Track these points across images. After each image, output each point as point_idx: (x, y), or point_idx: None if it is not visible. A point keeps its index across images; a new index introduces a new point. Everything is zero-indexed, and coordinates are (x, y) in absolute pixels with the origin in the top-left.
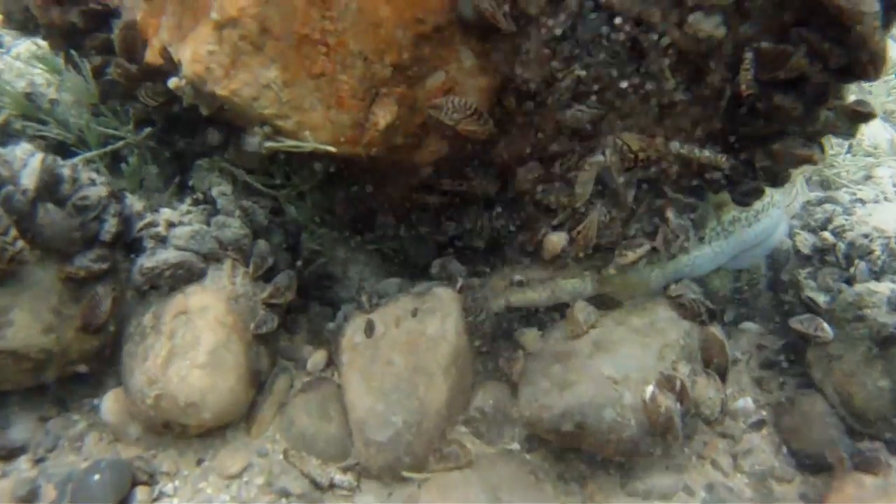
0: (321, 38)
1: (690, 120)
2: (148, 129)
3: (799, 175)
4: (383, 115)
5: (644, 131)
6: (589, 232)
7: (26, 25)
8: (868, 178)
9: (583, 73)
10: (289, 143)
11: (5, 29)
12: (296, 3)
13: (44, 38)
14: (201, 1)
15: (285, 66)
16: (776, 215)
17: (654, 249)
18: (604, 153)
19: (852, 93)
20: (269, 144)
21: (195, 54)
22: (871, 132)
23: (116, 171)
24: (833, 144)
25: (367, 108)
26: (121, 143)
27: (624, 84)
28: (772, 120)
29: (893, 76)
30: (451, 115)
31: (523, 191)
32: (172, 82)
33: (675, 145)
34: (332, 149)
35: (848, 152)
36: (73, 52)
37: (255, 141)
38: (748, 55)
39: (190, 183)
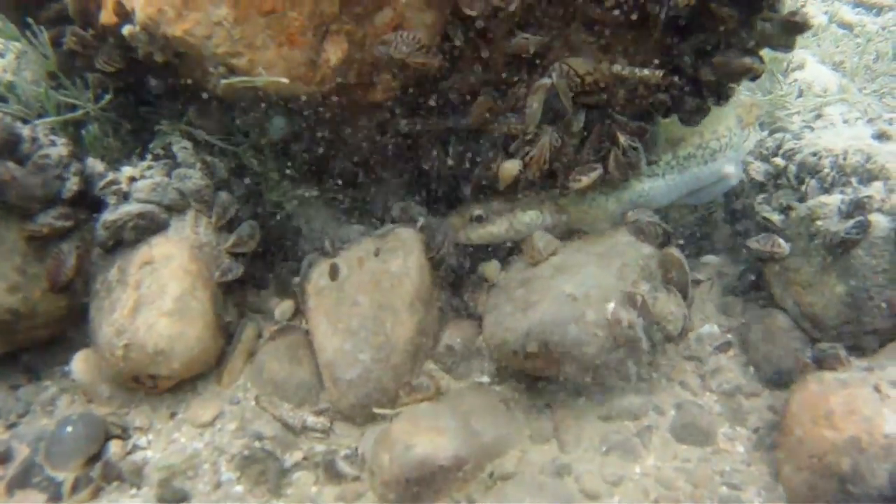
0: None
1: (631, 42)
2: (108, 97)
3: (753, 116)
4: (334, 52)
5: (590, 57)
6: (541, 154)
7: None
8: (818, 116)
9: (524, 2)
10: (243, 78)
11: None
12: None
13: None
14: None
15: (235, 3)
16: (733, 157)
17: (606, 174)
18: (550, 76)
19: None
20: (224, 82)
21: None
22: (822, 78)
23: (78, 142)
24: (784, 87)
25: (319, 45)
26: (80, 112)
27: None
28: (710, 32)
29: (836, 27)
30: (399, 49)
31: (477, 123)
32: (126, 30)
33: (617, 67)
34: (284, 80)
35: (799, 96)
36: (29, 20)
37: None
38: None
39: (151, 147)
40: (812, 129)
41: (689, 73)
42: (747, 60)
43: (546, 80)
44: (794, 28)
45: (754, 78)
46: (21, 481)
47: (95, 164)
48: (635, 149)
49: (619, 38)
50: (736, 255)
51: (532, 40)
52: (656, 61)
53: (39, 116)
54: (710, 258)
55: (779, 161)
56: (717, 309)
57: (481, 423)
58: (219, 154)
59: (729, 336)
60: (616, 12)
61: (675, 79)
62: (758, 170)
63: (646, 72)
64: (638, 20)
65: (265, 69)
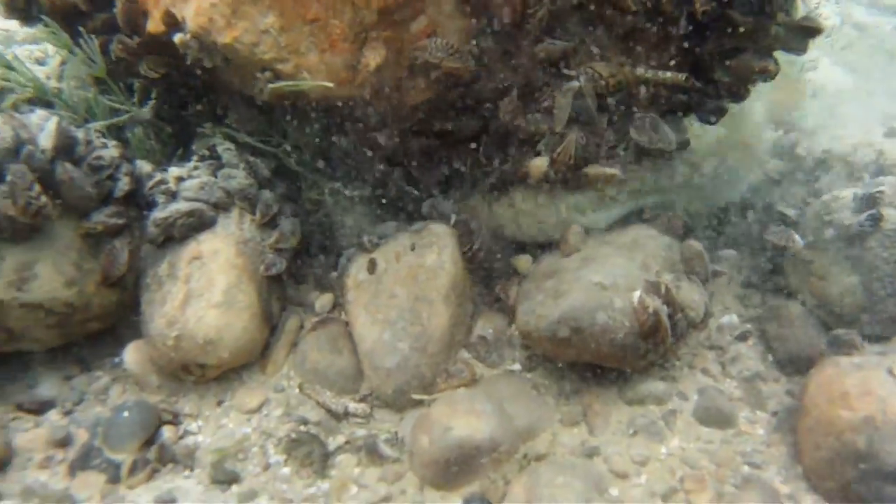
0: None
1: (653, 46)
2: (152, 102)
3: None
4: (373, 57)
5: (611, 60)
6: (568, 150)
7: (28, 13)
8: (832, 115)
9: (552, 8)
10: (290, 83)
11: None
12: None
13: (45, 25)
14: None
15: (281, 12)
16: None
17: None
18: (578, 79)
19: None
20: (271, 86)
21: (198, 8)
22: (836, 79)
23: (123, 144)
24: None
25: (358, 51)
26: (125, 116)
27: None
28: (727, 37)
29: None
30: (434, 55)
31: (505, 122)
32: (178, 38)
33: (640, 70)
34: (329, 84)
35: (813, 97)
36: (80, 28)
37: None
38: None
39: (194, 148)
40: (825, 127)
41: (707, 75)
42: (762, 62)
43: (574, 84)
44: (807, 32)
45: (768, 78)
46: (82, 463)
47: (143, 165)
48: (651, 117)
49: (641, 41)
50: (753, 248)
51: (558, 45)
52: (673, 63)
53: (86, 120)
54: (728, 252)
55: (793, 159)
56: (737, 300)
57: (514, 407)
58: (258, 155)
59: (748, 325)
60: (637, 18)
61: (695, 81)
62: (774, 168)
63: (669, 74)
64: (658, 25)
65: (308, 74)
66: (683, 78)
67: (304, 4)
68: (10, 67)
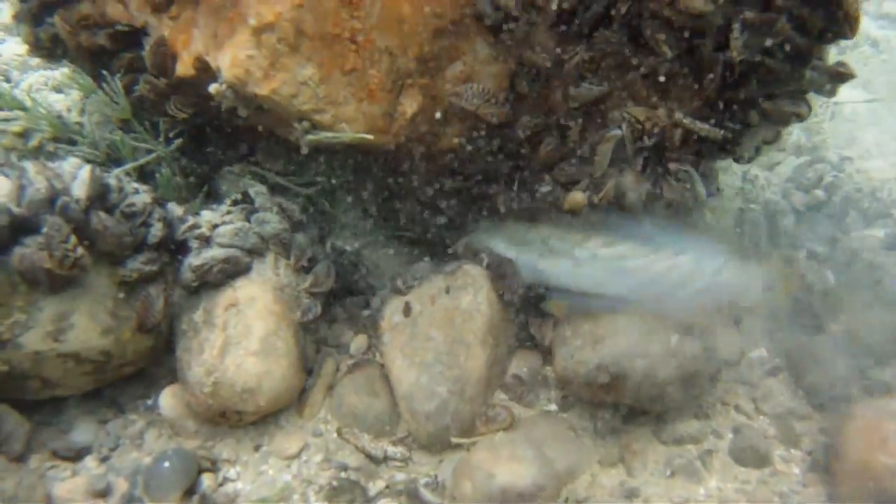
0: (351, 36)
1: (687, 90)
2: (178, 141)
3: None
4: (410, 105)
5: (646, 104)
6: (609, 196)
7: (53, 52)
8: (851, 140)
9: (586, 55)
10: (328, 134)
11: (29, 57)
12: (327, 5)
13: (70, 62)
14: (236, 10)
15: (320, 64)
16: None
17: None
18: (620, 127)
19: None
20: (310, 137)
21: (234, 59)
22: (853, 99)
23: (147, 183)
24: (817, 112)
25: (395, 99)
26: (152, 155)
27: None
28: (762, 83)
29: (867, 47)
30: (471, 101)
31: (543, 164)
32: (213, 88)
33: (678, 116)
34: (370, 137)
35: (831, 119)
36: (104, 72)
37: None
38: (736, 25)
39: (222, 189)
40: (851, 159)
41: (742, 117)
42: (796, 107)
43: (617, 132)
44: (839, 77)
45: (801, 121)
46: None
47: (174, 209)
48: (686, 171)
49: (675, 85)
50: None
51: (595, 90)
52: (707, 106)
53: (107, 157)
54: None
55: (820, 194)
56: (765, 334)
57: (554, 450)
58: (290, 194)
59: (778, 360)
60: (673, 64)
61: (731, 125)
62: (800, 200)
63: (706, 127)
64: (693, 71)
65: (347, 123)
66: (720, 134)
67: (343, 55)
68: (24, 109)
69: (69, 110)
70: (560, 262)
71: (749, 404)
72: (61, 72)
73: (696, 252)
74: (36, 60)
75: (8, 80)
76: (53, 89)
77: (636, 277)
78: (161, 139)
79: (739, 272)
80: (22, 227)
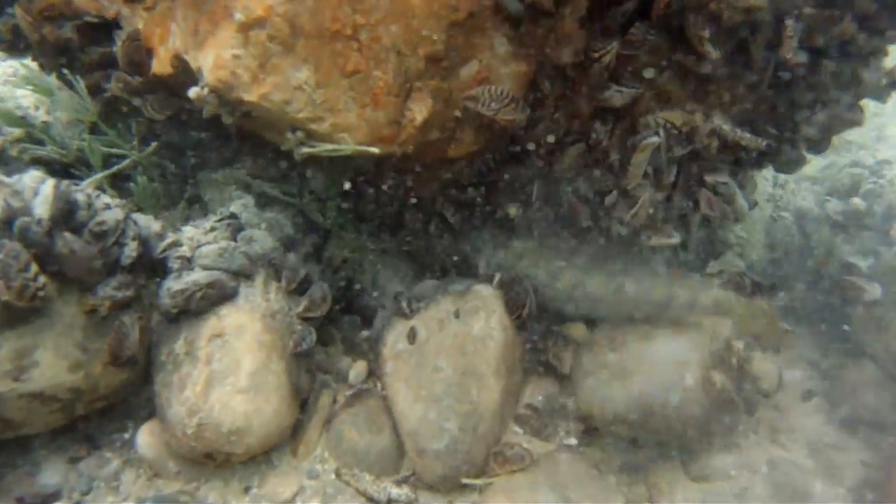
0: (353, 33)
1: (729, 93)
2: (153, 145)
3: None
4: (419, 111)
5: (681, 108)
6: (642, 214)
7: (15, 45)
8: (880, 137)
9: (619, 53)
10: (327, 147)
11: None
12: None
13: (34, 58)
14: (220, 3)
15: (317, 65)
16: None
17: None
18: (658, 133)
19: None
20: (305, 150)
21: (218, 60)
22: None
23: (121, 190)
24: None
25: (403, 104)
26: (126, 161)
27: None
28: (814, 86)
29: None
30: (488, 106)
31: (566, 173)
32: (193, 92)
33: (717, 123)
34: (374, 150)
35: None
36: (65, 70)
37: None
38: (789, 22)
39: (206, 197)
40: (890, 163)
41: (787, 123)
42: (853, 115)
43: (654, 139)
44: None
45: (854, 128)
46: None
47: (150, 223)
48: (725, 183)
49: (715, 89)
50: (812, 293)
51: (626, 94)
52: (748, 109)
53: (77, 159)
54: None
55: (859, 202)
56: (800, 352)
57: (577, 491)
58: (278, 205)
59: (812, 383)
60: (715, 64)
61: (774, 132)
62: (835, 209)
63: (748, 136)
64: (737, 72)
65: (347, 132)
66: (763, 144)
67: (343, 55)
68: None
69: (37, 108)
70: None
71: (784, 433)
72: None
73: None
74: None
75: None
76: (23, 81)
77: None
78: (136, 142)
79: None
80: None
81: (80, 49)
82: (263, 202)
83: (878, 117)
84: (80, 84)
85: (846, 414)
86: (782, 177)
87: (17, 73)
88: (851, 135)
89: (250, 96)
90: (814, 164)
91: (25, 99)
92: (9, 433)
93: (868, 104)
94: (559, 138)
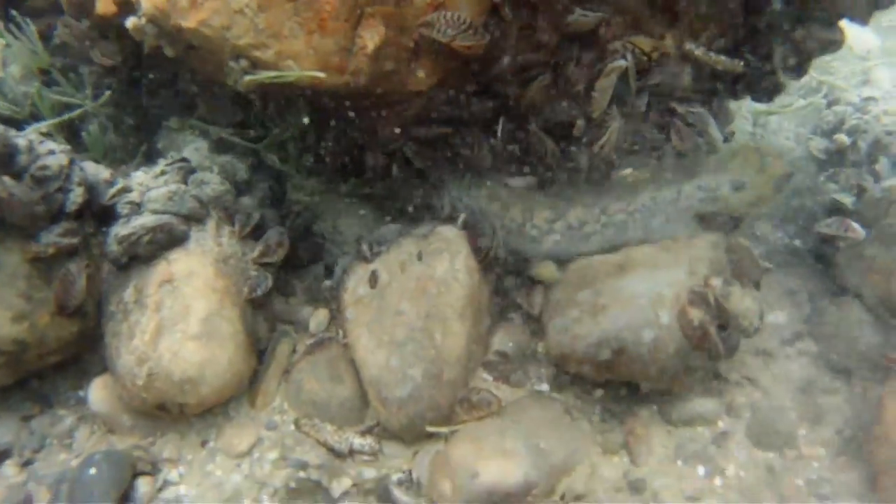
0: None
1: (701, 16)
2: (107, 94)
3: None
4: (370, 38)
5: (650, 33)
6: (611, 143)
7: None
8: (866, 81)
9: None
10: (270, 73)
11: None
12: None
13: None
14: None
15: None
16: None
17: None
18: (624, 57)
19: None
20: (248, 78)
21: None
22: (861, 38)
23: (75, 142)
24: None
25: (353, 31)
26: (78, 111)
27: None
28: (789, 3)
29: None
30: (444, 32)
31: (530, 106)
32: (131, 22)
33: (689, 47)
34: (321, 75)
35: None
36: (15, 13)
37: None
38: None
39: (160, 146)
40: (875, 100)
41: (763, 48)
42: (829, 33)
43: (620, 63)
44: (880, 2)
45: (834, 51)
46: None
47: (99, 171)
48: (696, 113)
49: (686, 12)
50: (791, 229)
51: (591, 17)
52: (722, 36)
53: (31, 115)
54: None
55: (843, 138)
56: (784, 296)
57: (547, 439)
58: (234, 151)
59: (797, 326)
60: None
61: (750, 57)
62: (818, 146)
63: (723, 59)
64: None
65: (294, 60)
66: (740, 65)
67: None
68: None
69: None
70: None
71: (767, 377)
72: None
73: None
74: None
75: None
76: None
77: None
78: (88, 92)
79: None
80: None
81: None
82: (220, 149)
83: (863, 61)
84: (31, 27)
85: (832, 355)
86: (762, 116)
87: None
88: (836, 78)
89: (188, 23)
90: (795, 104)
91: None
92: None
93: (851, 50)
94: (524, 69)
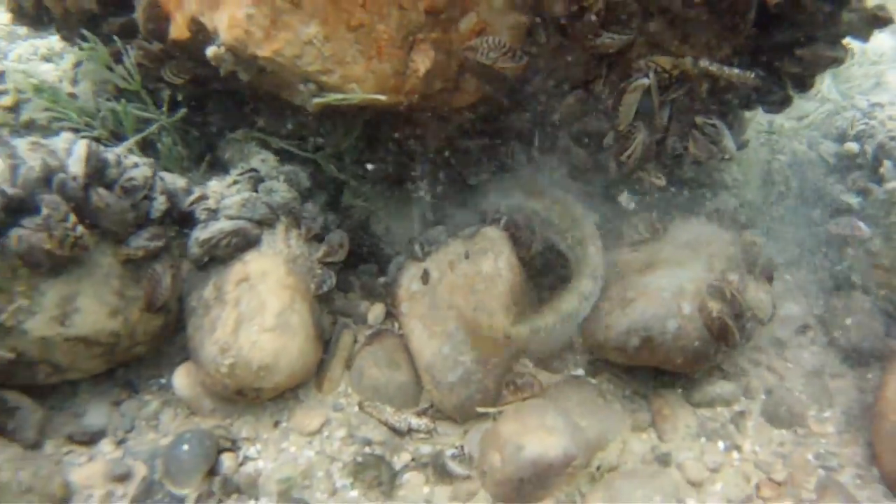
0: None
1: (716, 36)
2: (182, 111)
3: None
4: (422, 62)
5: (671, 52)
6: (636, 153)
7: (39, 20)
8: (878, 84)
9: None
10: (337, 96)
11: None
12: None
13: (57, 30)
14: None
15: (324, 20)
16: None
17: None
18: (647, 75)
19: None
20: (317, 100)
21: (232, 19)
22: (876, 42)
23: (146, 155)
24: None
25: (406, 56)
26: (154, 126)
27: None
28: (798, 26)
29: None
30: (487, 55)
31: (565, 118)
32: (211, 51)
33: (705, 63)
34: (382, 97)
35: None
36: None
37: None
38: None
39: (226, 156)
40: (881, 106)
41: (773, 64)
42: (834, 52)
43: (644, 81)
44: (878, 21)
45: (838, 66)
46: (145, 499)
47: (176, 180)
48: (713, 125)
49: (703, 33)
50: (812, 236)
51: (618, 39)
52: (735, 54)
53: (112, 133)
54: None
55: (851, 144)
56: (796, 290)
57: (584, 417)
58: (296, 161)
59: (809, 317)
60: (700, 10)
61: (760, 72)
62: (828, 151)
63: (736, 71)
64: (723, 16)
65: (356, 83)
66: (752, 77)
67: (348, 10)
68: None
69: (61, 80)
70: None
71: (780, 363)
72: (49, 41)
73: None
74: (24, 30)
75: None
76: (43, 59)
77: None
78: (165, 109)
79: None
80: (18, 209)
81: (100, 19)
82: (281, 158)
83: (876, 66)
84: (131, 56)
85: (839, 344)
86: (778, 122)
87: (37, 51)
88: (850, 83)
89: (264, 52)
90: (809, 109)
91: (49, 74)
92: (56, 377)
93: (866, 54)
94: (558, 86)
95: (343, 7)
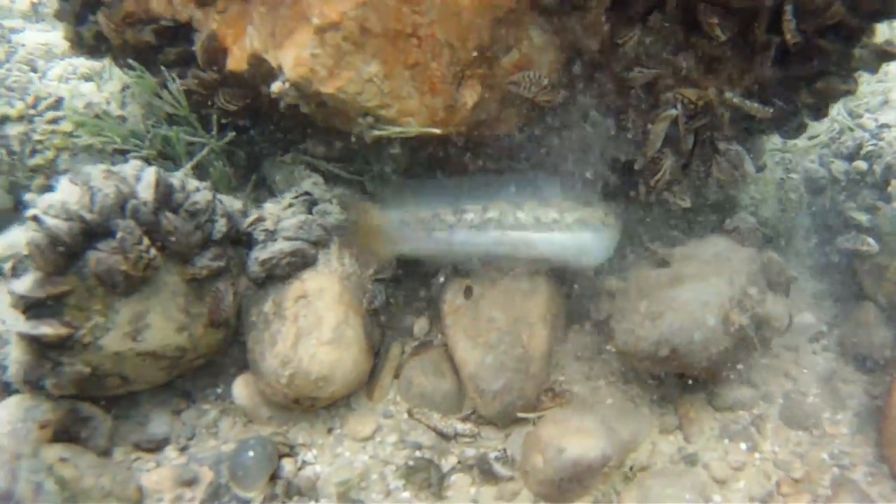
0: (413, 31)
1: (738, 70)
2: (231, 134)
3: None
4: (470, 96)
5: (696, 84)
6: (664, 177)
7: (97, 49)
8: (885, 102)
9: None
10: (395, 129)
11: (71, 53)
12: (389, 2)
13: (113, 59)
14: (295, 10)
15: (384, 60)
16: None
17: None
18: (675, 107)
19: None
20: (375, 133)
21: (299, 58)
22: None
23: (195, 176)
24: None
25: (456, 90)
26: (205, 149)
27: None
28: (812, 62)
29: None
30: (528, 89)
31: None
32: (276, 86)
33: (728, 95)
34: (436, 131)
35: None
36: (164, 68)
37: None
38: (788, 8)
39: (275, 178)
40: (889, 127)
41: (790, 95)
42: (847, 85)
43: (672, 112)
44: (885, 56)
45: (850, 96)
46: (212, 501)
47: (233, 202)
48: (734, 150)
49: (726, 66)
50: (818, 242)
51: (647, 73)
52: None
53: (159, 153)
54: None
55: (861, 164)
56: (810, 299)
57: (617, 421)
58: (343, 182)
59: (822, 326)
60: (724, 46)
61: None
62: (839, 169)
63: (756, 106)
64: (745, 52)
65: (410, 116)
66: (769, 113)
67: (405, 50)
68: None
69: (108, 102)
70: None
71: (796, 369)
72: (84, 60)
73: None
74: (60, 49)
75: (34, 70)
76: (83, 78)
77: None
78: (214, 132)
79: None
80: (94, 233)
81: (156, 50)
82: (326, 180)
83: (882, 83)
84: (177, 84)
85: (852, 352)
86: (791, 140)
87: (76, 70)
88: (857, 101)
89: (327, 89)
90: (822, 128)
91: (92, 94)
92: (123, 388)
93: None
94: (590, 115)
95: (400, 47)
